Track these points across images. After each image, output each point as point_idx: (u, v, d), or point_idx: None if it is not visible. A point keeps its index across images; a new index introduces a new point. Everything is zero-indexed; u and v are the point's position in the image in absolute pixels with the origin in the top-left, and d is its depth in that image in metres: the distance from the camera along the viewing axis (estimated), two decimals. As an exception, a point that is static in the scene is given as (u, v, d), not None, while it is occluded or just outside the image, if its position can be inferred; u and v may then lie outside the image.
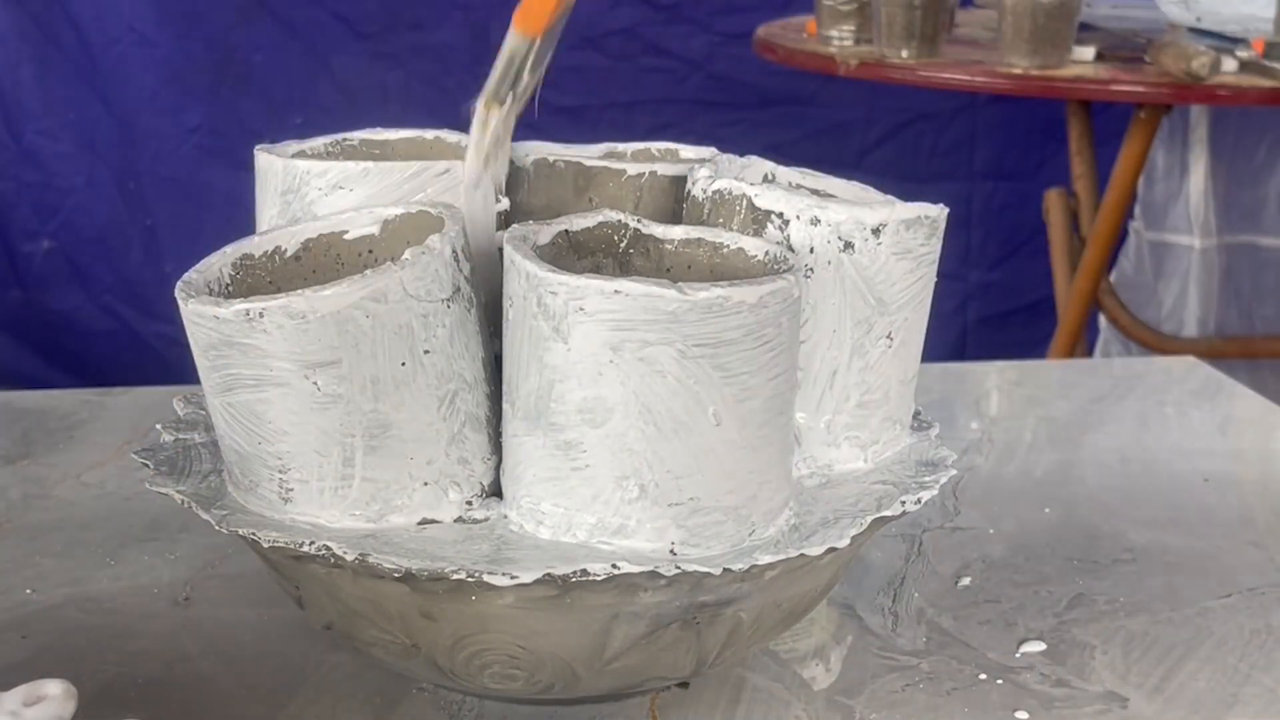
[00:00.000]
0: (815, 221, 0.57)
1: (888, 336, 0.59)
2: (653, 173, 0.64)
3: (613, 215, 0.58)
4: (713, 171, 0.61)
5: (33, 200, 2.56)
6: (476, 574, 0.51)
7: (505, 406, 0.55)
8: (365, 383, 0.53)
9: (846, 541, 0.55)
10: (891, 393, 0.61)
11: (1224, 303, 2.30)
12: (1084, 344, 2.21)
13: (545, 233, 0.56)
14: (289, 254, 0.58)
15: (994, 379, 1.04)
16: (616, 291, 0.50)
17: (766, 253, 0.56)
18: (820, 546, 0.54)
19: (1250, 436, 0.96)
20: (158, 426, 0.63)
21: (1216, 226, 2.29)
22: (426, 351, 0.53)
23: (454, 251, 0.54)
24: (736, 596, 0.54)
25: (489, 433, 0.56)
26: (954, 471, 0.61)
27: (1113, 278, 2.37)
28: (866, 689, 0.63)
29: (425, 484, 0.55)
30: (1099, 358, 2.32)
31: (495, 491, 0.57)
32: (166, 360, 2.42)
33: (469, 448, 0.56)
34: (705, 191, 0.60)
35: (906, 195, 0.60)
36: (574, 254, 0.57)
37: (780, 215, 0.58)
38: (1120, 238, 2.20)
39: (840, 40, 2.08)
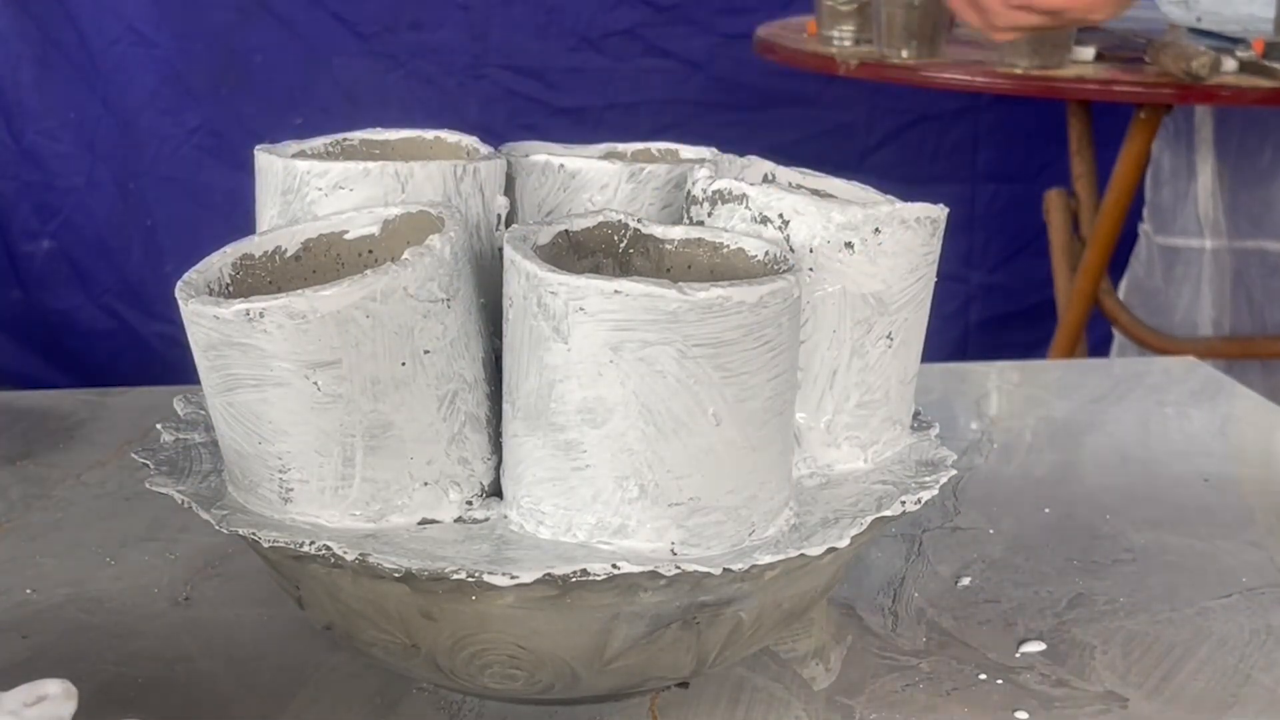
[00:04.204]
0: (815, 222, 0.57)
1: (888, 337, 0.59)
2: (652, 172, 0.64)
3: (613, 215, 0.58)
4: (713, 171, 0.61)
5: (33, 200, 2.56)
6: (477, 574, 0.51)
7: (505, 406, 0.55)
8: (365, 383, 0.53)
9: (846, 541, 0.55)
10: (892, 393, 0.61)
11: (1237, 307, 2.30)
12: (1084, 345, 2.21)
13: (545, 233, 0.56)
14: (289, 254, 0.58)
15: (994, 379, 1.04)
16: (616, 291, 0.50)
17: (766, 253, 0.56)
18: (820, 546, 0.54)
19: (1250, 436, 0.96)
20: (158, 426, 0.63)
21: (1227, 229, 2.29)
22: (426, 351, 0.53)
23: (454, 252, 0.54)
24: (736, 596, 0.54)
25: (489, 433, 0.56)
26: (954, 471, 0.61)
27: (1124, 282, 2.37)
28: (866, 689, 0.63)
29: (425, 484, 0.55)
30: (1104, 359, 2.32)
31: (495, 491, 0.57)
32: (166, 360, 2.42)
33: (469, 448, 0.56)
34: (705, 191, 0.60)
35: (908, 197, 0.60)
36: (574, 254, 0.57)
37: (780, 215, 0.58)
38: (1124, 239, 2.20)
39: (840, 40, 2.08)
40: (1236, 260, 2.30)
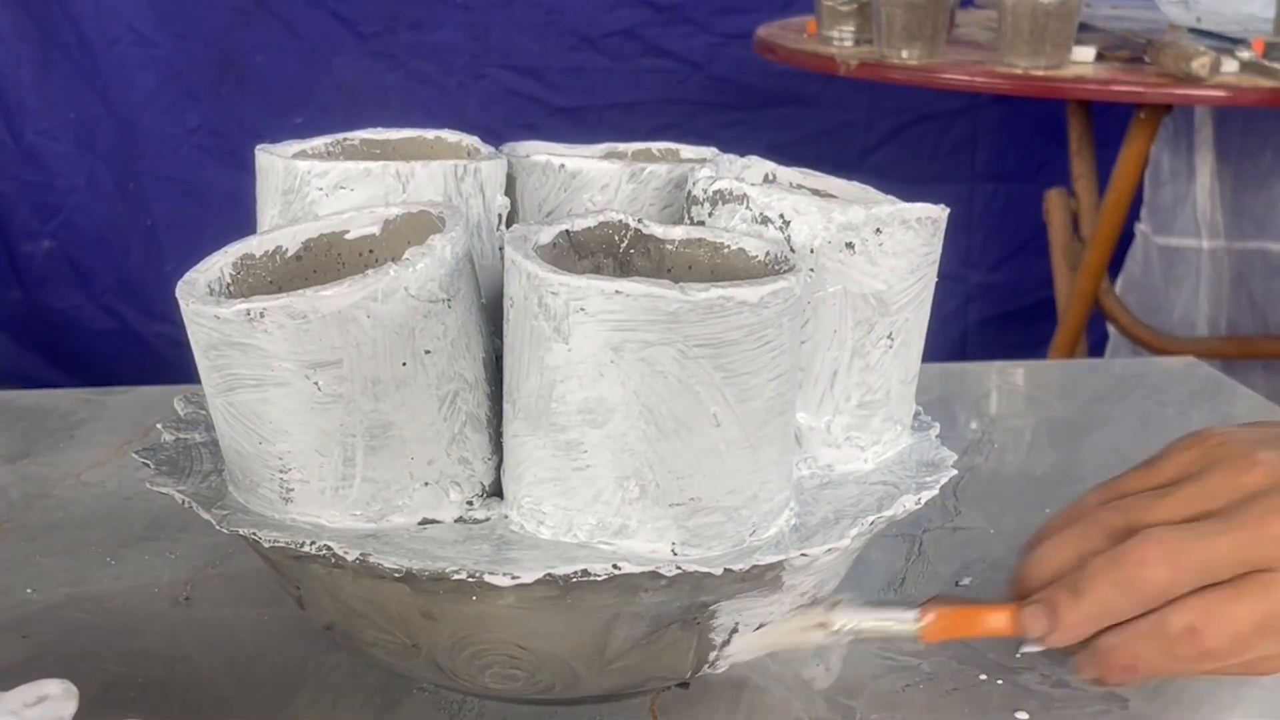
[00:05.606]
0: (816, 222, 0.57)
1: (888, 337, 0.59)
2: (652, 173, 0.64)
3: (613, 215, 0.58)
4: (713, 171, 0.61)
5: (33, 200, 2.57)
6: (477, 574, 0.51)
7: (506, 407, 0.55)
8: (366, 383, 0.53)
9: (847, 541, 0.55)
10: (892, 393, 0.61)
11: (1236, 308, 2.30)
12: (1084, 345, 2.22)
13: (546, 233, 0.56)
14: (290, 254, 0.58)
15: (994, 379, 1.04)
16: (617, 292, 0.50)
17: (767, 253, 0.56)
18: (820, 546, 0.54)
19: (1250, 437, 0.95)
20: (158, 426, 0.63)
21: (1225, 229, 2.29)
22: (427, 351, 0.53)
23: (455, 252, 0.54)
24: (737, 596, 0.54)
25: (490, 433, 0.56)
26: (954, 472, 0.61)
27: (1119, 281, 2.37)
28: (866, 689, 0.63)
29: (426, 484, 0.55)
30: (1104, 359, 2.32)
31: (496, 491, 0.57)
32: (167, 360, 2.42)
33: (470, 448, 0.56)
34: (705, 191, 0.60)
35: (908, 196, 0.60)
36: (574, 254, 0.57)
37: (781, 215, 0.58)
38: (1122, 239, 2.20)
39: (840, 40, 2.08)
40: (1238, 261, 2.31)
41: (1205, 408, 0.98)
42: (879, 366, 0.60)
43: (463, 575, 0.51)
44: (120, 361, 2.57)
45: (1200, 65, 1.79)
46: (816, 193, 0.62)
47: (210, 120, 2.56)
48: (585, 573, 0.51)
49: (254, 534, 0.54)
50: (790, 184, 0.63)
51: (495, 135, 0.68)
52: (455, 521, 0.56)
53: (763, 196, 0.58)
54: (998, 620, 0.57)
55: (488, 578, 0.51)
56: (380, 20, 2.54)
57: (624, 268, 0.58)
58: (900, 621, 0.57)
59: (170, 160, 2.57)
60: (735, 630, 0.56)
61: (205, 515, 0.55)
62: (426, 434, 0.54)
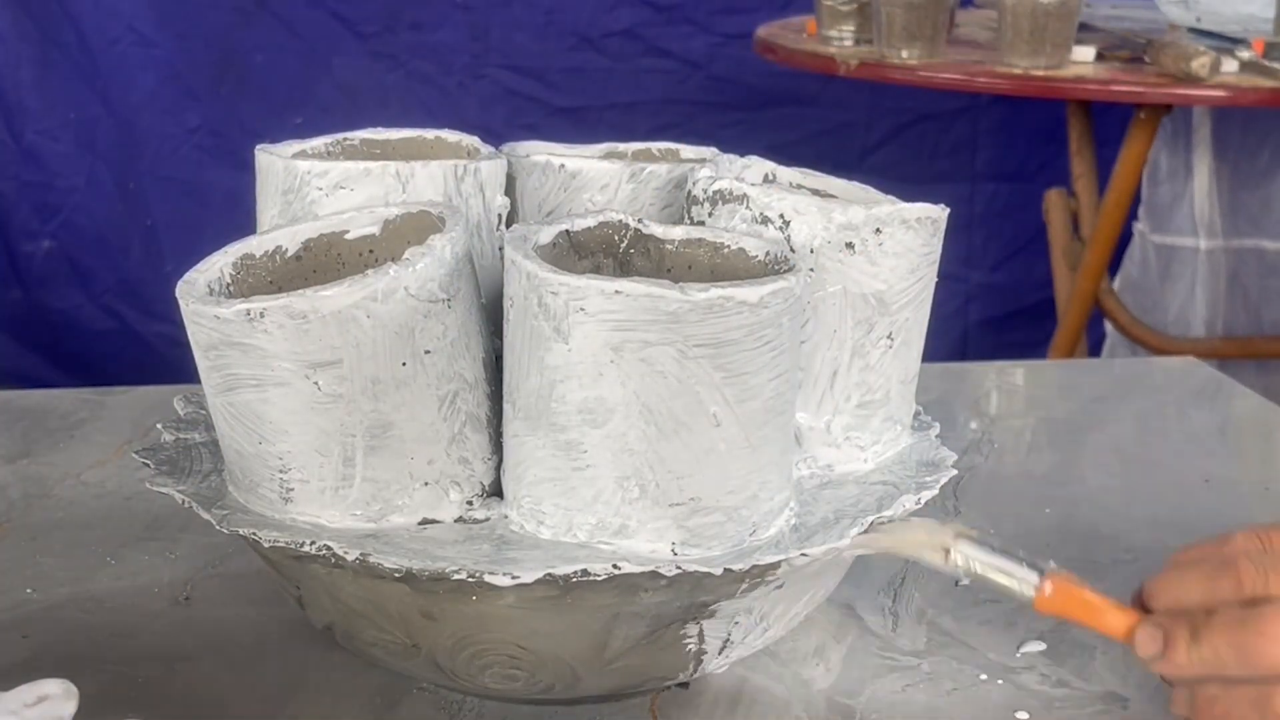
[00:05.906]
0: (816, 222, 0.57)
1: (888, 337, 0.59)
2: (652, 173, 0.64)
3: (613, 215, 0.58)
4: (713, 171, 0.61)
5: (33, 200, 2.56)
6: (477, 574, 0.51)
7: (506, 407, 0.55)
8: (366, 383, 0.53)
9: (846, 541, 0.55)
10: (892, 393, 0.61)
11: (1231, 306, 2.30)
12: (1084, 345, 2.21)
13: (546, 233, 0.56)
14: (290, 254, 0.58)
15: (994, 379, 1.04)
16: (617, 292, 0.50)
17: (767, 253, 0.56)
18: (820, 546, 0.54)
19: (1250, 437, 0.96)
20: (158, 426, 0.63)
21: (1222, 228, 2.29)
22: (427, 351, 0.53)
23: (454, 252, 0.54)
24: (737, 596, 0.54)
25: (489, 433, 0.56)
26: (954, 472, 0.61)
27: (1117, 280, 2.37)
28: (866, 689, 0.63)
29: (426, 484, 0.55)
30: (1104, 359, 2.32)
31: (496, 491, 0.57)
32: (167, 360, 2.42)
33: (470, 448, 0.56)
34: (705, 191, 0.60)
35: (908, 196, 0.60)
36: (574, 254, 0.57)
37: (781, 215, 0.58)
38: (1122, 239, 2.20)
39: (840, 40, 2.08)
40: (1233, 259, 2.31)
41: (1205, 408, 0.98)
42: (879, 366, 0.60)
43: (463, 575, 0.51)
44: (120, 361, 2.57)
45: (1200, 65, 1.79)
46: (816, 193, 0.62)
47: (210, 120, 2.56)
48: (585, 573, 0.51)
49: (254, 534, 0.54)
50: (790, 184, 0.63)
51: (495, 135, 0.68)
52: (455, 521, 0.56)
53: (763, 196, 0.58)
54: (1114, 622, 0.56)
55: (488, 578, 0.51)
56: (380, 20, 2.54)
57: (624, 268, 0.58)
58: (1020, 580, 0.55)
59: (170, 160, 2.57)
60: (734, 631, 0.56)
61: (205, 515, 0.55)
62: (426, 434, 0.54)
